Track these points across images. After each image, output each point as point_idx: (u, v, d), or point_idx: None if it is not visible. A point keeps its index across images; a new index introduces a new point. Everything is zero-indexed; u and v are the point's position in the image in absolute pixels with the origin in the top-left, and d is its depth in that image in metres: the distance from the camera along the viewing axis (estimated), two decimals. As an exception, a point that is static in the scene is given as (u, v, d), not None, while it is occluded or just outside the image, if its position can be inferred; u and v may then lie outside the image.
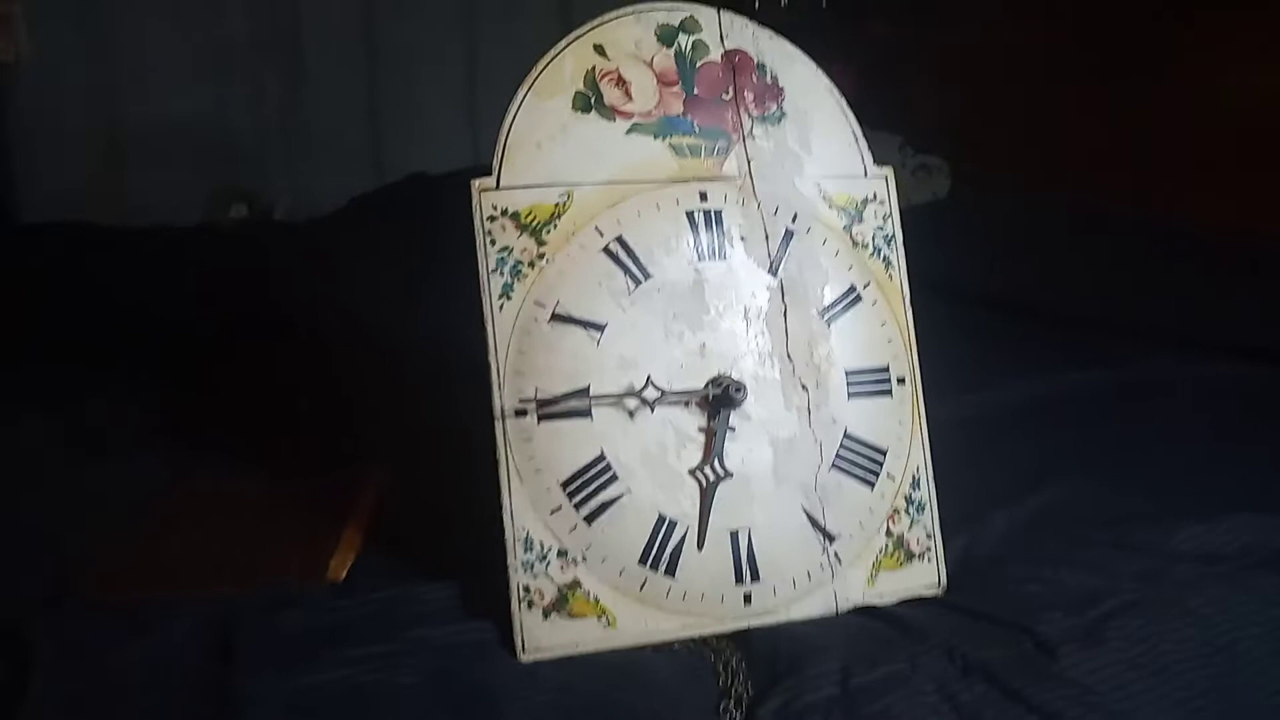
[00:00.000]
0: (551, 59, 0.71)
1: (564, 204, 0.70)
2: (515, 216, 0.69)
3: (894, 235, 0.77)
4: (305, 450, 0.96)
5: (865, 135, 0.78)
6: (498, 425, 0.67)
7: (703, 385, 0.70)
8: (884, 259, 0.76)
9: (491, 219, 0.69)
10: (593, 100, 0.71)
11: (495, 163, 0.70)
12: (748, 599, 0.69)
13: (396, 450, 0.93)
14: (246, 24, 2.18)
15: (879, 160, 0.78)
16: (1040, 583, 0.72)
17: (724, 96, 0.74)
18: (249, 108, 2.22)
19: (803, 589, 0.70)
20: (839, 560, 0.71)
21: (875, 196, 0.77)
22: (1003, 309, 1.41)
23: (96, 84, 2.08)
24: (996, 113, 1.90)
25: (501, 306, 0.68)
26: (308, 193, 2.20)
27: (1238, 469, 0.89)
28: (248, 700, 0.60)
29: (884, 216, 0.77)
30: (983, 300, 1.43)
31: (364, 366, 1.11)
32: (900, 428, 0.75)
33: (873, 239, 0.76)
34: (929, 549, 0.74)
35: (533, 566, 0.66)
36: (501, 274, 0.68)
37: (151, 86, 2.11)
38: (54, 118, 2.02)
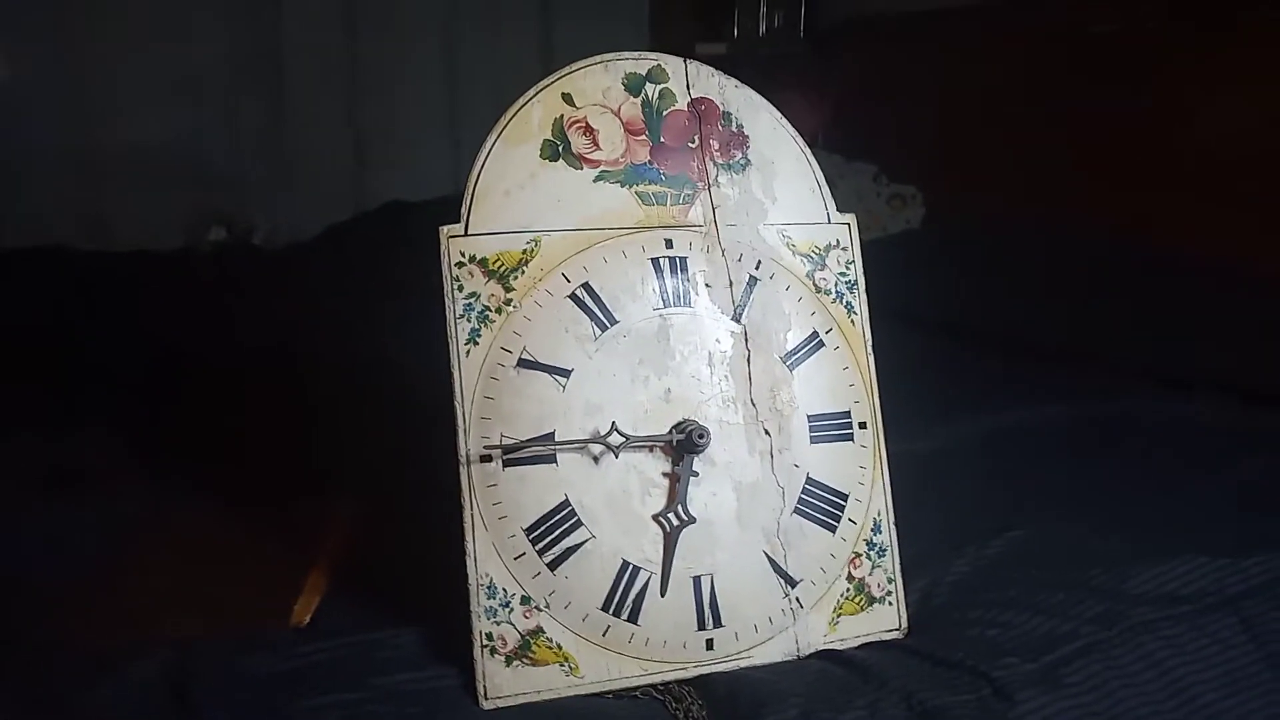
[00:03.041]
0: (520, 107, 0.72)
1: (531, 250, 0.71)
2: (483, 263, 0.70)
3: (856, 281, 0.78)
4: (274, 484, 0.96)
5: (840, 164, 0.79)
6: (462, 470, 0.68)
7: (667, 431, 0.71)
8: (846, 304, 0.77)
9: (459, 265, 0.70)
10: (560, 148, 0.72)
11: (464, 210, 0.70)
12: (710, 644, 0.70)
13: (366, 487, 0.93)
14: (226, 47, 2.18)
15: (850, 194, 0.79)
16: (999, 626, 0.73)
17: (690, 144, 0.75)
18: (229, 131, 2.21)
19: (764, 634, 0.71)
20: (801, 605, 0.72)
21: (838, 243, 0.78)
22: (974, 340, 1.42)
23: (74, 107, 2.07)
24: (972, 143, 1.93)
25: (468, 352, 0.69)
26: (289, 215, 2.20)
27: (1197, 510, 0.90)
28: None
29: (847, 263, 0.78)
30: (954, 331, 1.45)
31: (336, 400, 1.11)
32: (862, 472, 0.76)
33: (835, 285, 0.77)
34: (890, 593, 0.75)
35: (495, 613, 0.66)
36: (469, 320, 0.69)
37: (131, 109, 2.10)
38: (29, 140, 2.01)
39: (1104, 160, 1.69)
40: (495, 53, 2.36)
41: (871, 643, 0.73)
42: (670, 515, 0.70)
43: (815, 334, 0.76)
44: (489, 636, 0.66)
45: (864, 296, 0.78)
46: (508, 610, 0.66)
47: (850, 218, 0.79)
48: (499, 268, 0.70)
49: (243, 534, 0.86)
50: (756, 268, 0.75)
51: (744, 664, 0.70)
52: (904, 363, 0.85)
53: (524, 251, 0.71)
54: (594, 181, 0.73)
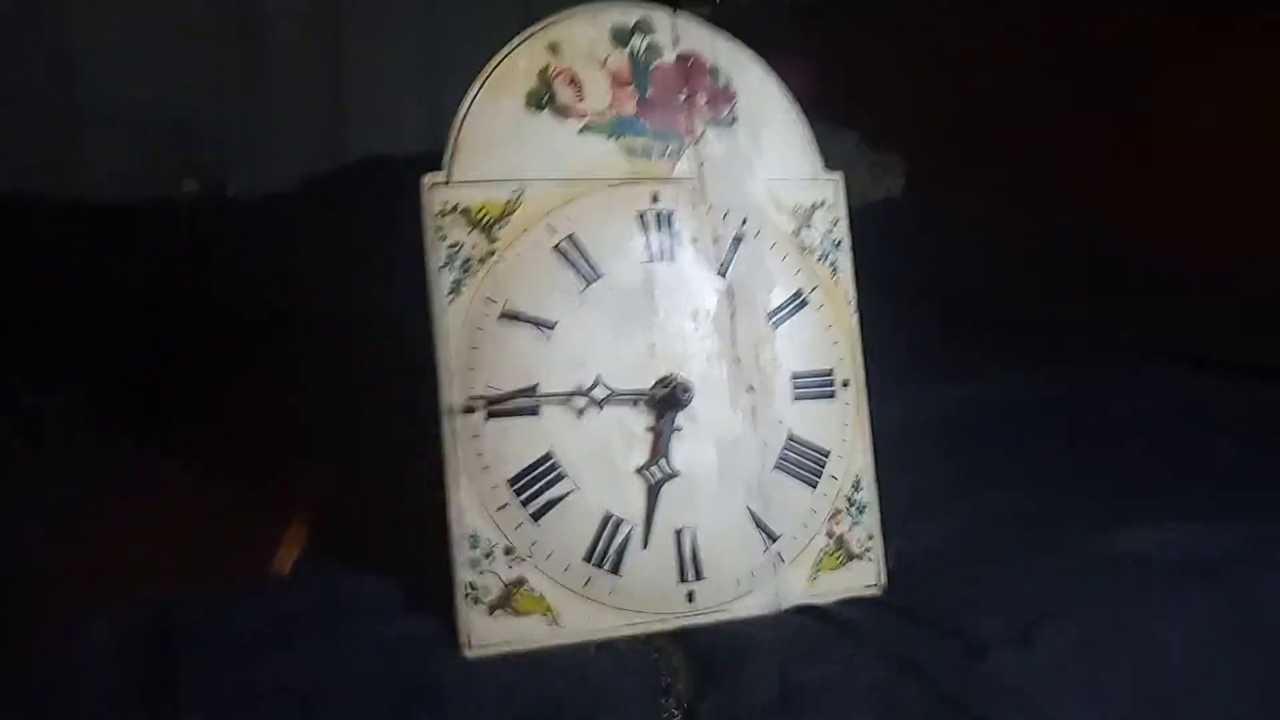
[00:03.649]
0: (505, 56, 0.71)
1: (515, 201, 0.70)
2: (466, 212, 0.69)
3: (842, 240, 0.78)
4: (253, 440, 0.95)
5: (822, 131, 0.78)
6: (445, 422, 0.67)
7: (651, 385, 0.71)
8: (831, 263, 0.77)
9: (442, 214, 0.69)
10: (545, 99, 0.71)
11: (447, 158, 0.69)
12: (690, 597, 0.70)
13: (346, 441, 0.93)
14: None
15: (833, 159, 0.78)
16: (976, 584, 0.74)
17: (677, 99, 0.74)
18: (205, 85, 2.18)
19: (745, 587, 0.71)
20: (781, 559, 0.73)
21: (824, 202, 0.78)
22: (953, 310, 1.43)
23: (48, 55, 2.03)
24: (957, 114, 1.92)
25: (451, 302, 0.68)
26: (265, 169, 2.17)
27: (1179, 478, 0.91)
28: (188, 696, 0.59)
29: (833, 221, 0.78)
30: (933, 300, 1.45)
31: (315, 351, 1.10)
32: (844, 430, 0.76)
33: (821, 243, 0.77)
34: (869, 549, 0.76)
35: (478, 563, 0.66)
36: (451, 270, 0.68)
37: (105, 60, 2.06)
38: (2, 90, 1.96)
39: (1099, 155, 1.68)
40: (477, 11, 2.33)
41: (850, 598, 0.74)
42: (653, 469, 0.70)
43: (800, 292, 0.76)
44: (472, 586, 0.66)
45: (849, 255, 0.78)
46: (490, 560, 0.66)
47: (838, 175, 0.78)
48: (483, 218, 0.69)
49: (224, 490, 0.86)
50: (742, 224, 0.75)
51: (724, 617, 0.70)
52: (884, 329, 0.85)
53: (508, 202, 0.70)
54: (580, 133, 0.72)
